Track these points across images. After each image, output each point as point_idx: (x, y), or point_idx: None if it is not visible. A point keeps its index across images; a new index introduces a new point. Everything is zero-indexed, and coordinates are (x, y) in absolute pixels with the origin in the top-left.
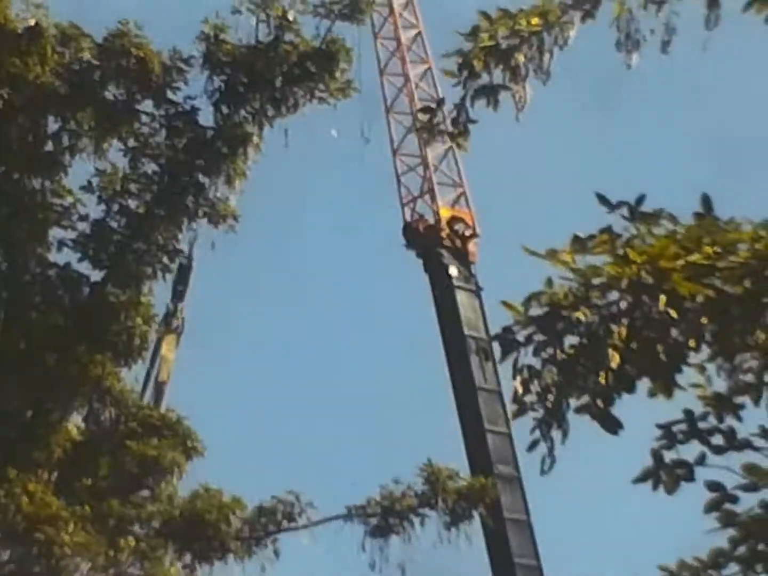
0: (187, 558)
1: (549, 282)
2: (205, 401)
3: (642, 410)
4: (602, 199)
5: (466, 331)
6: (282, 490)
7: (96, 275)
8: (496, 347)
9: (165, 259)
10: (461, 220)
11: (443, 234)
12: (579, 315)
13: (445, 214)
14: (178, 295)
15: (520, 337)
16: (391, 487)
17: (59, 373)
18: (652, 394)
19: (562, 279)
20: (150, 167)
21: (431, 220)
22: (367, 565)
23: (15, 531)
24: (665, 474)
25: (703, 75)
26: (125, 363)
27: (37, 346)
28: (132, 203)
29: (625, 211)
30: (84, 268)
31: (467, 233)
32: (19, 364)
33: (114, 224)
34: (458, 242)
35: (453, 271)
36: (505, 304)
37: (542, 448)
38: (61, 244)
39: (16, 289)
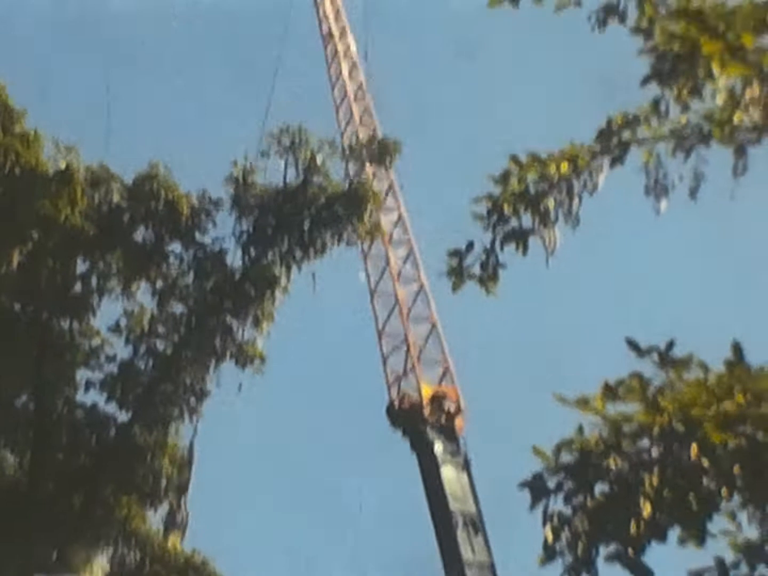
0: None
1: (580, 429)
2: (230, 539)
3: (673, 557)
4: (632, 345)
5: (452, 506)
6: None
7: (123, 416)
8: (489, 517)
9: (192, 401)
10: (446, 396)
11: (426, 411)
12: (610, 462)
13: (427, 392)
14: (180, 488)
15: (551, 484)
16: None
17: (85, 515)
18: (682, 541)
19: (592, 426)
20: (178, 308)
21: (415, 399)
22: None
23: None
24: None
25: None
26: (151, 504)
27: (63, 488)
28: (159, 344)
29: (655, 357)
30: (111, 408)
31: (452, 409)
32: (45, 505)
33: (141, 365)
34: (444, 418)
35: (438, 448)
36: (536, 450)
37: None
38: (89, 384)
39: (43, 430)
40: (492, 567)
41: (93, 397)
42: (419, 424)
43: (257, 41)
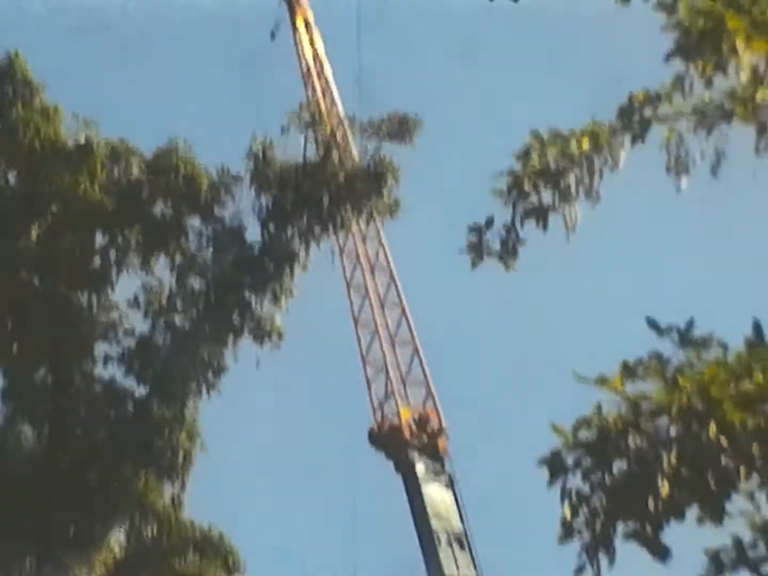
0: None
1: (599, 408)
2: (242, 516)
3: (690, 537)
4: (652, 324)
5: (435, 525)
6: None
7: (141, 390)
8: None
9: (210, 376)
10: (428, 417)
11: (407, 434)
12: (629, 440)
13: (406, 414)
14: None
15: (569, 461)
16: None
17: (102, 489)
18: (700, 520)
19: (611, 403)
20: (196, 283)
21: (395, 422)
22: None
23: None
24: None
25: None
26: (168, 479)
27: (81, 462)
28: (178, 319)
29: (674, 336)
30: (129, 383)
31: (435, 429)
32: (63, 479)
33: (159, 340)
34: (426, 439)
35: (420, 468)
36: (555, 428)
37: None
38: (107, 358)
39: (61, 404)
40: None
41: (111, 372)
42: (400, 446)
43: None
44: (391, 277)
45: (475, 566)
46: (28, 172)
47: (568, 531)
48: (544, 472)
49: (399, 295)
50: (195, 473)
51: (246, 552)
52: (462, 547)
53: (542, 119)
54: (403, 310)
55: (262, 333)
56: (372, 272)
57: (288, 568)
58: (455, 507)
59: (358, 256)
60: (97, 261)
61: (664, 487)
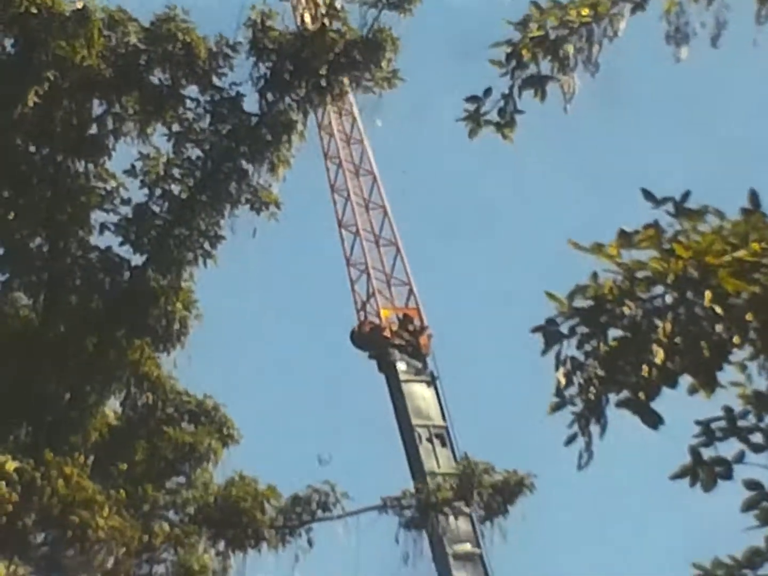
0: (221, 545)
1: (594, 276)
2: (241, 389)
3: (681, 407)
4: (647, 195)
5: (415, 421)
6: (317, 480)
7: (137, 259)
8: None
9: (206, 245)
10: (408, 316)
11: (388, 333)
12: (624, 308)
13: (386, 314)
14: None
15: (564, 328)
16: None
17: (97, 357)
18: (692, 390)
19: (607, 272)
20: (194, 152)
21: (376, 322)
22: (401, 557)
23: (50, 514)
24: (703, 471)
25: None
26: (164, 348)
27: (76, 330)
28: (175, 188)
29: (670, 207)
30: (125, 252)
31: (416, 327)
32: (57, 347)
33: (156, 209)
34: (408, 337)
35: (401, 366)
36: (549, 295)
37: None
38: (103, 227)
39: (56, 272)
40: (459, 476)
41: (107, 240)
42: (381, 345)
43: None
44: (374, 179)
45: (456, 462)
46: (24, 39)
47: (561, 399)
48: (537, 344)
49: (381, 197)
50: (191, 343)
51: (241, 422)
52: (443, 444)
53: None
54: (385, 210)
55: (258, 203)
56: (356, 174)
57: (282, 436)
58: (437, 404)
59: (340, 161)
60: (94, 129)
61: (659, 355)
